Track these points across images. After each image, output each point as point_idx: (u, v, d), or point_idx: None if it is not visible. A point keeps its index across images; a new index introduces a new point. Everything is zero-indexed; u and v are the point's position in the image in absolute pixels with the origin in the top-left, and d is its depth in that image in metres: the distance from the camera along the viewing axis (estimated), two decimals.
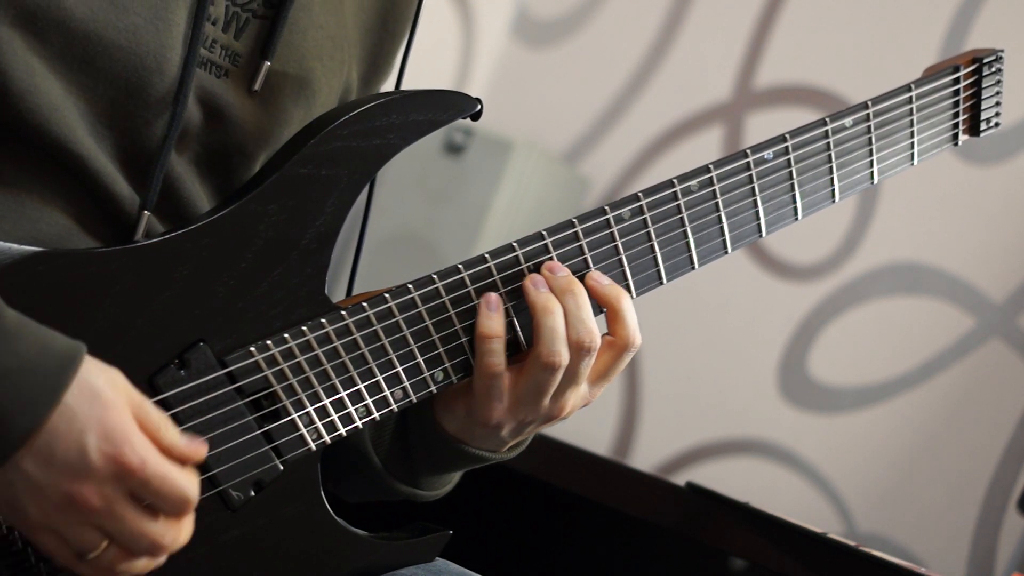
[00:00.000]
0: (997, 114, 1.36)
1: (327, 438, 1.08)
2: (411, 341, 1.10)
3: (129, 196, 1.06)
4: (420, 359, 1.11)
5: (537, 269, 1.13)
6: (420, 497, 1.24)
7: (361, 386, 1.09)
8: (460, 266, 1.12)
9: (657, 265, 1.18)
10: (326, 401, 1.07)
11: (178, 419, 1.01)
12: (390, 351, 1.09)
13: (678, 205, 1.18)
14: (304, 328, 1.06)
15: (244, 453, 1.05)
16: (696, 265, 1.20)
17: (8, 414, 0.89)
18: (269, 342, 1.05)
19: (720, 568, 1.85)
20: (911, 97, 1.30)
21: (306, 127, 1.10)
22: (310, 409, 1.07)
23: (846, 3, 2.97)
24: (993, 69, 1.35)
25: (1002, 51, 1.35)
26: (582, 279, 1.14)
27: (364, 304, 1.09)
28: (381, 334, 1.09)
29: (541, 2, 3.39)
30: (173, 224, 1.09)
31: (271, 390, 1.05)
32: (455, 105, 1.11)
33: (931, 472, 2.57)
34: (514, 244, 1.13)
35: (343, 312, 1.08)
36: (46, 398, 0.90)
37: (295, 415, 1.06)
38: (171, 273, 1.02)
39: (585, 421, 2.20)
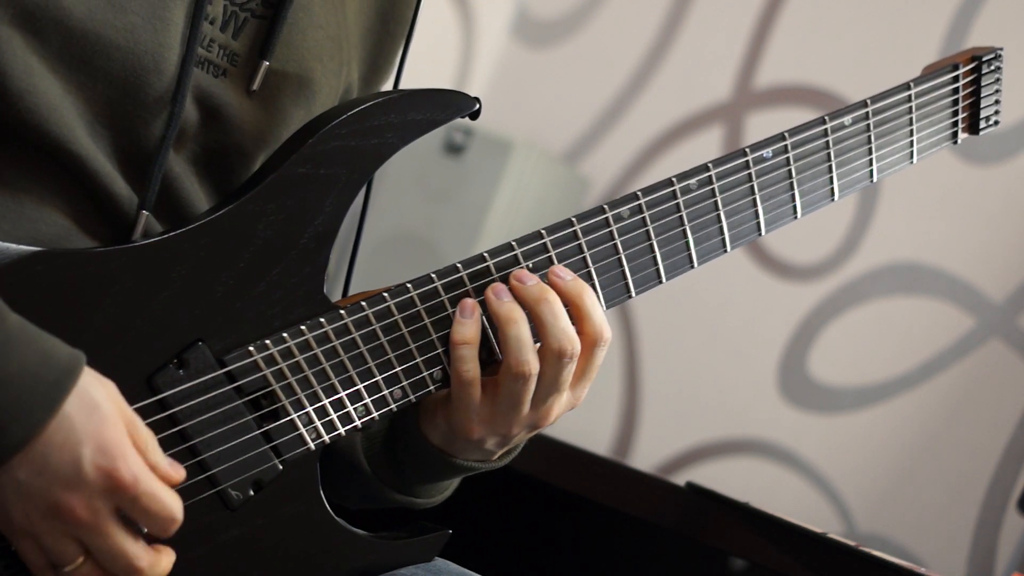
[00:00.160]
0: (996, 112, 1.36)
1: (326, 438, 1.08)
2: (410, 340, 1.10)
3: (127, 196, 1.06)
4: (419, 359, 1.10)
5: (539, 271, 1.13)
6: (418, 505, 1.23)
7: (360, 386, 1.08)
8: (459, 265, 1.11)
9: (656, 264, 1.18)
10: (325, 401, 1.07)
11: (177, 419, 1.01)
12: (389, 351, 1.09)
13: (677, 204, 1.18)
14: (303, 327, 1.06)
15: (243, 453, 1.05)
16: (695, 264, 1.20)
17: (6, 421, 0.89)
18: (268, 342, 1.05)
19: (720, 568, 1.85)
20: (910, 95, 1.29)
21: (304, 126, 1.10)
22: (309, 409, 1.07)
23: (846, 3, 2.96)
24: (992, 67, 1.35)
25: (1001, 49, 1.35)
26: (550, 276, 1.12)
27: (363, 303, 1.08)
28: (380, 333, 1.09)
29: (541, 2, 3.39)
30: (171, 224, 1.08)
31: (270, 389, 1.05)
32: (454, 104, 1.11)
33: (931, 472, 2.57)
34: (513, 243, 1.13)
35: (342, 311, 1.07)
36: (45, 407, 0.90)
37: (294, 415, 1.06)
38: (169, 273, 1.02)
39: (585, 421, 2.20)
